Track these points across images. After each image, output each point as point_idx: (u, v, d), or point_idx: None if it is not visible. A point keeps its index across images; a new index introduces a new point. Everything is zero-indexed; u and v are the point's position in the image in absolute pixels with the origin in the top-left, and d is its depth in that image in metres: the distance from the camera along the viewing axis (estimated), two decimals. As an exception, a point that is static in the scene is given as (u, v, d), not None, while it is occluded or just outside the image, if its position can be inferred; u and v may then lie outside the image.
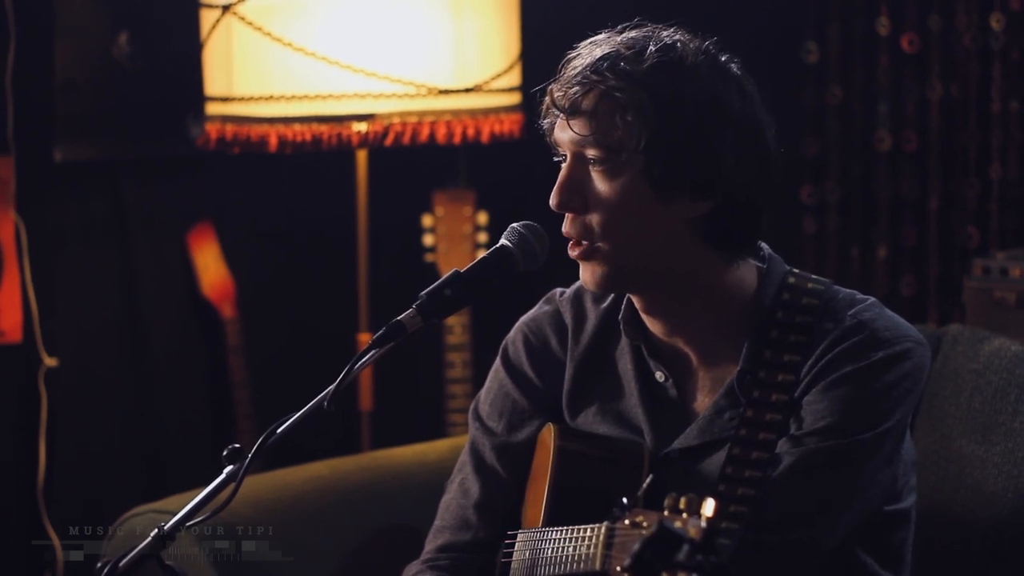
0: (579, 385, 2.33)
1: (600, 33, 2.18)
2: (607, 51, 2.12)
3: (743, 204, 2.14)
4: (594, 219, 2.13)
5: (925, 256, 3.86)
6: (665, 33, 2.15)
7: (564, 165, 2.16)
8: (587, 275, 2.17)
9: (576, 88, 2.11)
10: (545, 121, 2.19)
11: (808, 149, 3.94)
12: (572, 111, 2.12)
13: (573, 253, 2.17)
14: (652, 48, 2.11)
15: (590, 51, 2.14)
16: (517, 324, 2.40)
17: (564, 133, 2.14)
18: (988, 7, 3.70)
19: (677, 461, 2.21)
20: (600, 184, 2.13)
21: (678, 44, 2.13)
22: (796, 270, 2.25)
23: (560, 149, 2.17)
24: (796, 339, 2.17)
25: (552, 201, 2.15)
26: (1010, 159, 3.73)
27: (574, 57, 2.16)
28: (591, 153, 2.12)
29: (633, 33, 2.16)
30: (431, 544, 2.37)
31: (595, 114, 2.11)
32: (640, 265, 2.16)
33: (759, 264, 2.23)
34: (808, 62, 3.93)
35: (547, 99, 2.17)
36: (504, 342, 2.40)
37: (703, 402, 2.23)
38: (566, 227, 2.16)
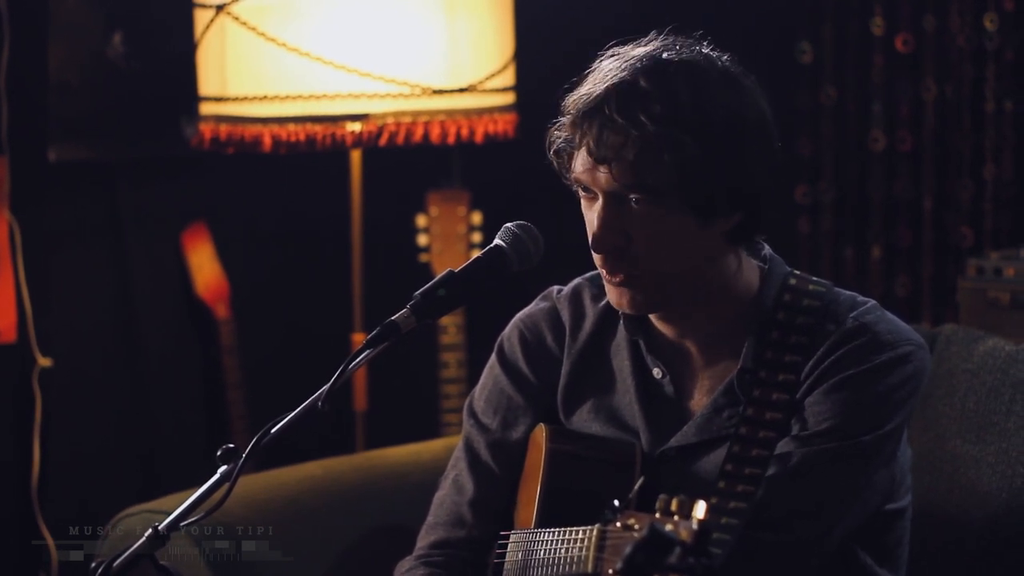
0: (575, 382, 2.33)
1: (601, 60, 2.14)
2: (623, 81, 2.08)
3: (764, 205, 2.16)
4: (639, 252, 2.12)
5: (919, 256, 3.86)
6: (670, 52, 2.11)
7: (599, 206, 2.12)
8: (625, 300, 2.17)
9: (609, 134, 2.07)
10: (553, 152, 2.16)
11: (802, 149, 3.94)
12: (608, 159, 2.08)
13: (615, 280, 2.15)
14: (672, 72, 2.08)
15: (604, 82, 2.09)
16: (513, 320, 2.40)
17: (599, 175, 2.10)
18: (982, 7, 3.70)
19: (674, 459, 2.22)
20: (644, 221, 2.10)
21: (695, 61, 2.11)
22: (797, 271, 2.25)
23: (588, 186, 2.13)
24: (797, 340, 2.18)
25: (594, 243, 2.13)
26: (1004, 159, 3.73)
27: (582, 90, 2.11)
28: (632, 196, 2.10)
29: (637, 52, 2.12)
30: (424, 540, 2.37)
31: (636, 162, 2.07)
32: (679, 287, 2.16)
33: (761, 265, 2.24)
34: (802, 62, 3.93)
35: (569, 137, 2.13)
36: (500, 338, 2.40)
37: (700, 400, 2.23)
38: (606, 262, 2.15)
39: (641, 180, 2.08)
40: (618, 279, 2.15)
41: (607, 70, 2.11)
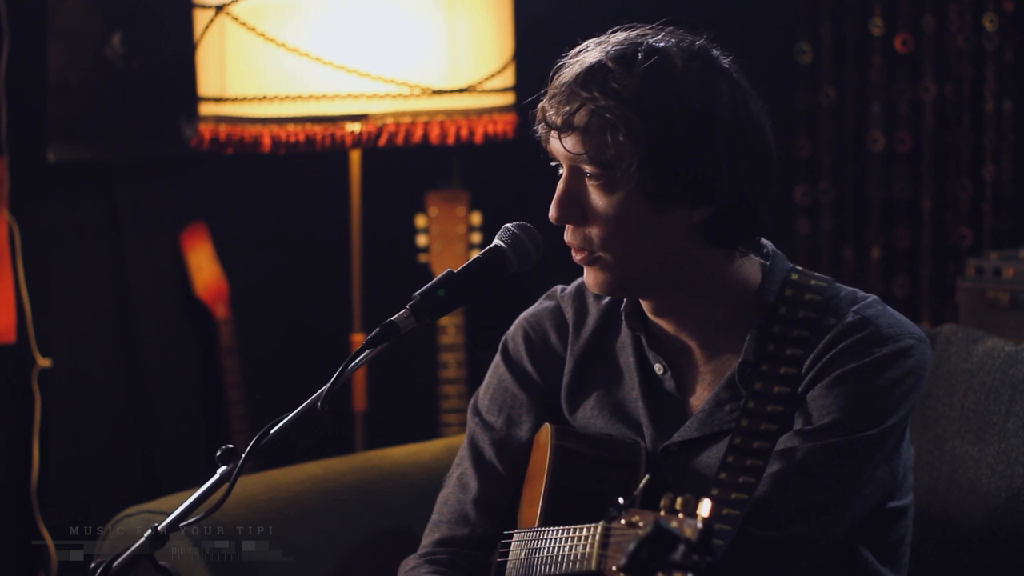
0: (578, 379, 2.34)
1: (589, 39, 2.18)
2: (595, 61, 2.12)
3: (741, 204, 2.15)
4: (594, 231, 2.15)
5: (918, 256, 3.87)
6: (655, 38, 2.14)
7: (561, 178, 2.17)
8: (591, 280, 2.20)
9: (567, 105, 2.12)
10: (539, 127, 2.19)
11: (801, 150, 3.94)
12: (564, 127, 2.12)
13: (577, 258, 2.19)
14: (640, 57, 2.11)
15: (580, 61, 2.14)
16: (517, 320, 2.41)
17: (558, 147, 2.15)
18: (981, 8, 3.71)
19: (677, 454, 2.22)
20: (597, 198, 2.14)
21: (668, 50, 2.12)
22: (799, 267, 2.26)
23: (556, 158, 2.18)
24: (799, 334, 2.18)
25: (551, 214, 2.16)
26: (1003, 159, 3.73)
27: (563, 67, 2.16)
28: (587, 168, 2.13)
29: (622, 37, 2.15)
30: (428, 538, 2.38)
31: (587, 132, 2.11)
32: (642, 272, 2.17)
33: (762, 261, 2.24)
34: (801, 62, 3.93)
35: (540, 110, 2.17)
36: (504, 337, 2.41)
37: (702, 395, 2.24)
38: (568, 237, 2.18)
39: (589, 152, 2.11)
40: (580, 257, 2.18)
41: (587, 51, 2.16)
